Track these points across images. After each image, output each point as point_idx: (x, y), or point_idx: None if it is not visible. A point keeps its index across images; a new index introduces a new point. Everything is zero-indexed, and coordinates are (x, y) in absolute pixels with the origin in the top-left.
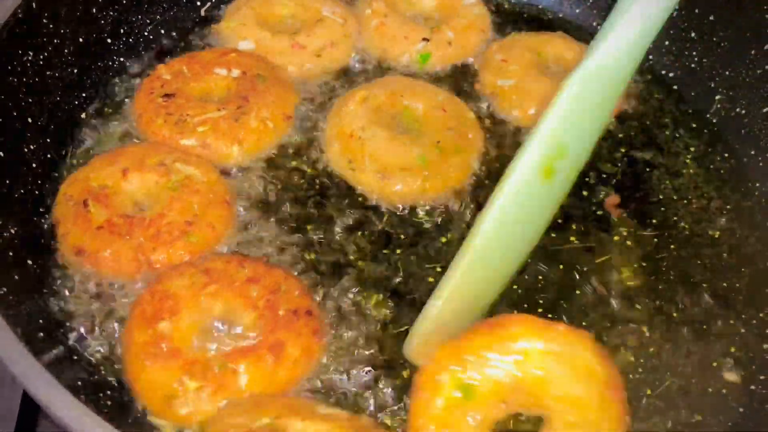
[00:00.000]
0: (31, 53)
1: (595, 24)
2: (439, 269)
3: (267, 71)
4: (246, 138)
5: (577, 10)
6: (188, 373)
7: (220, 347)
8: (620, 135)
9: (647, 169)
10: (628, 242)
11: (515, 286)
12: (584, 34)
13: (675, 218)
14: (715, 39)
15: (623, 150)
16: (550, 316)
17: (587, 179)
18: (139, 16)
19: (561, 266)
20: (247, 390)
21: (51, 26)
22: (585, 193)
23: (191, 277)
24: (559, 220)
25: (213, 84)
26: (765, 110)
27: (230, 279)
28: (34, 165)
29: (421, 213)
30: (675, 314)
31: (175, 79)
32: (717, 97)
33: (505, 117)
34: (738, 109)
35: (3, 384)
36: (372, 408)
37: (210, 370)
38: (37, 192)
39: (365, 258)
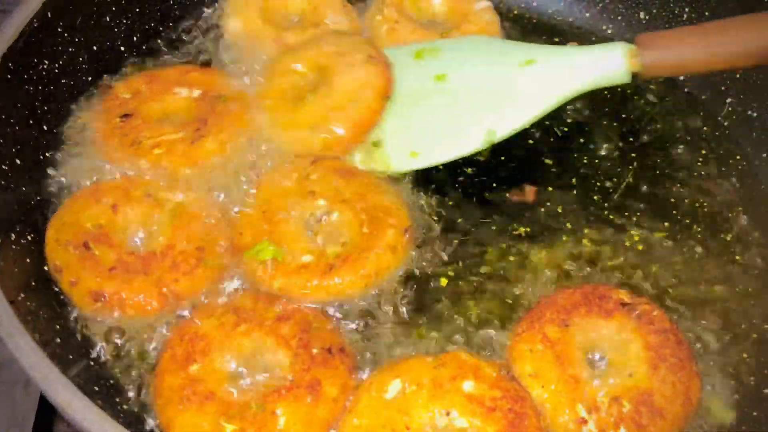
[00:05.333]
0: (46, 61)
1: (605, 28)
2: None
3: (228, 91)
4: (202, 160)
5: (587, 14)
6: (225, 416)
7: (254, 388)
8: (631, 138)
9: (658, 172)
10: (640, 246)
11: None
12: (594, 39)
13: (688, 221)
14: None
15: (635, 153)
16: None
17: (598, 183)
18: (152, 24)
19: (574, 269)
20: (287, 431)
21: (66, 35)
22: (596, 197)
23: (220, 317)
24: (569, 224)
25: (172, 104)
26: None
27: (260, 318)
28: (50, 172)
29: None
30: (688, 316)
31: (134, 99)
32: (728, 100)
33: None
34: (749, 112)
35: (19, 387)
36: None
37: (247, 412)
38: (53, 200)
39: None
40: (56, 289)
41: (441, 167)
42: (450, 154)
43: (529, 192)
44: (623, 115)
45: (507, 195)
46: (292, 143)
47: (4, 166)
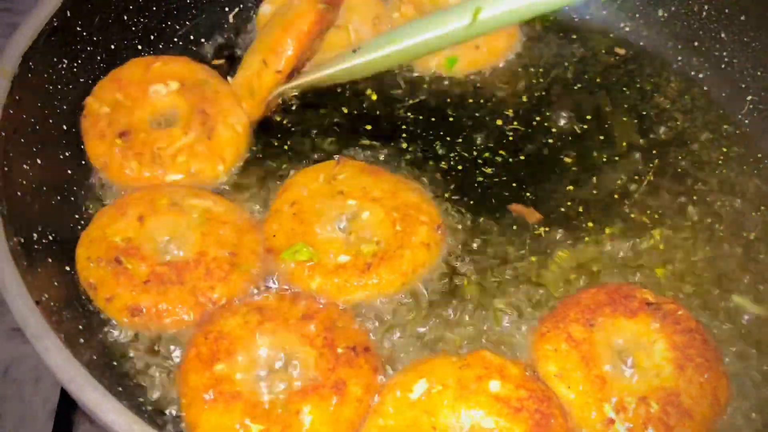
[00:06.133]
0: (65, 60)
1: (622, 26)
2: None
3: (204, 74)
4: (226, 151)
5: (604, 12)
6: (251, 416)
7: (279, 387)
8: (651, 136)
9: (679, 170)
10: (661, 246)
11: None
12: (611, 36)
13: (710, 220)
14: (746, 39)
15: (655, 151)
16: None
17: (618, 181)
18: (169, 23)
19: (596, 268)
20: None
21: (84, 34)
22: (617, 196)
23: (244, 315)
24: (590, 223)
25: (158, 104)
26: None
27: (284, 316)
28: (69, 171)
29: None
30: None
31: (117, 112)
32: (748, 98)
33: None
34: None
35: (29, 384)
36: None
37: (273, 412)
38: (72, 198)
39: None
40: (76, 290)
41: (461, 167)
42: None
43: (531, 215)
44: (643, 112)
45: (509, 206)
46: (243, 77)
47: (25, 166)
